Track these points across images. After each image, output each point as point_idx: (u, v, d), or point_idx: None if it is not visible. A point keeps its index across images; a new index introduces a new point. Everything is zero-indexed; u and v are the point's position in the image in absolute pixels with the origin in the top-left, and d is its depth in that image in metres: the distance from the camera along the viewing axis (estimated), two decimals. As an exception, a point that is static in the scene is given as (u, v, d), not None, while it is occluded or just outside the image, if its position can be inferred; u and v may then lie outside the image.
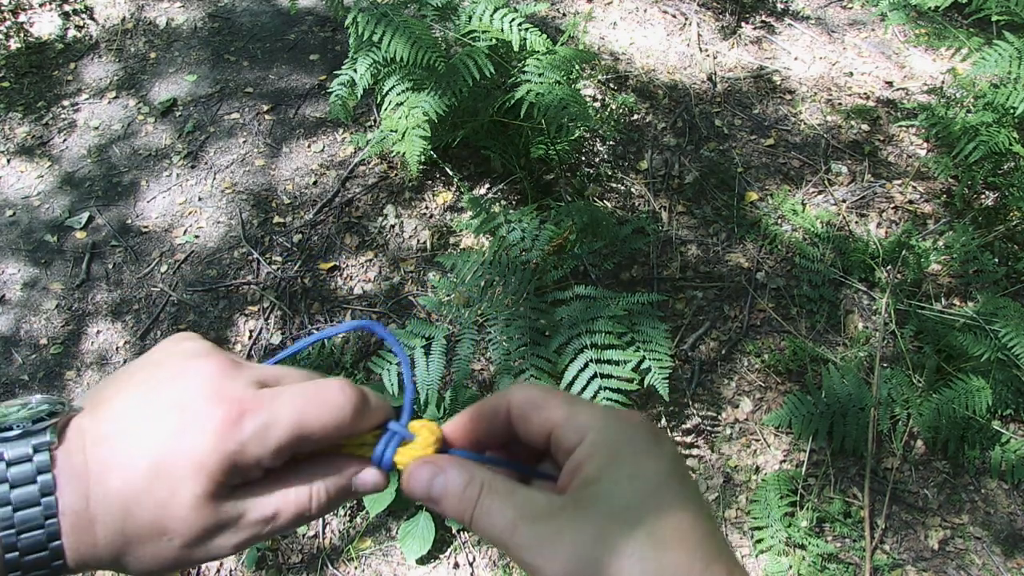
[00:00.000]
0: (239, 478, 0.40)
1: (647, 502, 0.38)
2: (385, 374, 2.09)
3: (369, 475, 0.45)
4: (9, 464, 0.38)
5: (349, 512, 2.35)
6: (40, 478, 0.38)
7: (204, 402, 0.40)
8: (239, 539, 0.41)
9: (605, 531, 0.37)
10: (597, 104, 3.42)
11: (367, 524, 2.31)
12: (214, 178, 3.24)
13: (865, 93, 3.54)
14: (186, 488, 0.39)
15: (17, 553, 0.37)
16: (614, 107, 3.40)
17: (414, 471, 0.44)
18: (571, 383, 1.96)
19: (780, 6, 4.01)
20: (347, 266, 2.94)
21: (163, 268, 2.97)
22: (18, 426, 0.39)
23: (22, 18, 3.82)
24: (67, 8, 3.86)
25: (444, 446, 0.46)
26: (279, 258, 2.97)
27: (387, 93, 2.55)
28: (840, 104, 3.49)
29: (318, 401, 0.42)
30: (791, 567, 2.17)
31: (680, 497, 0.39)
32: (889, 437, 2.44)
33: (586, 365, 1.97)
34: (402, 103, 2.53)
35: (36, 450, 0.38)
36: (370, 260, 2.95)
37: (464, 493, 0.42)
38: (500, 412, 0.45)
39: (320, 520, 2.33)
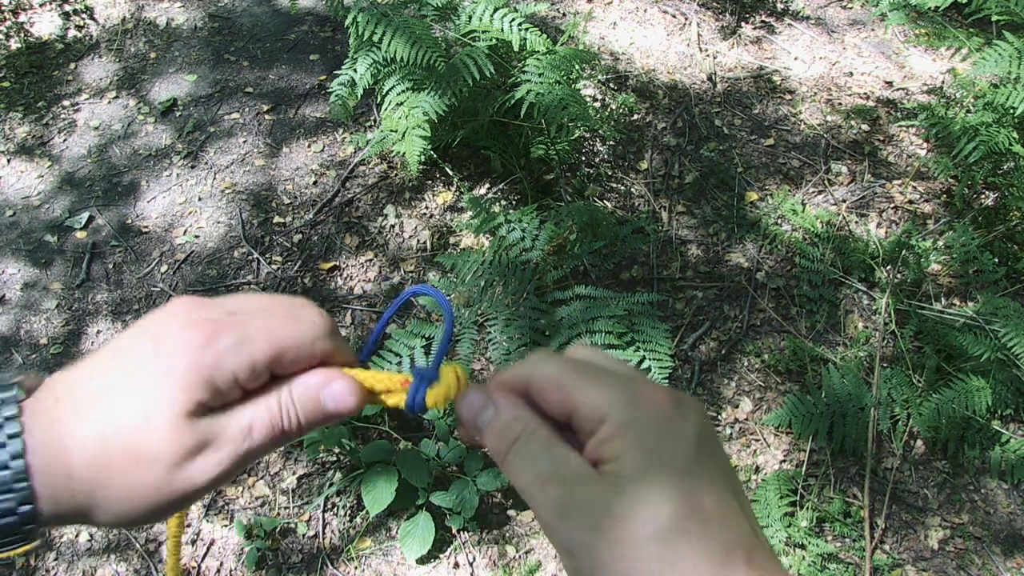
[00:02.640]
0: (217, 399, 0.40)
1: (669, 486, 0.37)
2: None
3: (337, 387, 0.43)
4: None
5: (349, 512, 2.35)
6: (10, 443, 0.37)
7: (178, 329, 0.40)
8: (219, 458, 0.40)
9: (627, 513, 0.36)
10: (597, 104, 3.42)
11: (367, 524, 2.31)
12: (214, 178, 3.24)
13: (865, 93, 3.55)
14: (163, 405, 0.38)
15: None
16: (614, 107, 3.40)
17: (468, 396, 0.43)
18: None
19: (780, 6, 4.01)
20: (347, 266, 2.94)
21: (163, 268, 2.97)
22: None
23: (22, 18, 3.82)
24: (67, 8, 3.86)
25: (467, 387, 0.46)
26: (279, 258, 2.97)
27: (387, 93, 2.55)
28: (840, 104, 3.49)
29: (292, 317, 0.42)
30: (791, 567, 2.17)
31: (704, 478, 0.38)
32: (889, 437, 2.44)
33: (586, 365, 1.97)
34: (402, 103, 2.54)
35: (3, 403, 0.38)
36: (370, 260, 2.95)
37: (506, 431, 0.41)
38: (520, 387, 0.44)
39: (320, 520, 2.33)
